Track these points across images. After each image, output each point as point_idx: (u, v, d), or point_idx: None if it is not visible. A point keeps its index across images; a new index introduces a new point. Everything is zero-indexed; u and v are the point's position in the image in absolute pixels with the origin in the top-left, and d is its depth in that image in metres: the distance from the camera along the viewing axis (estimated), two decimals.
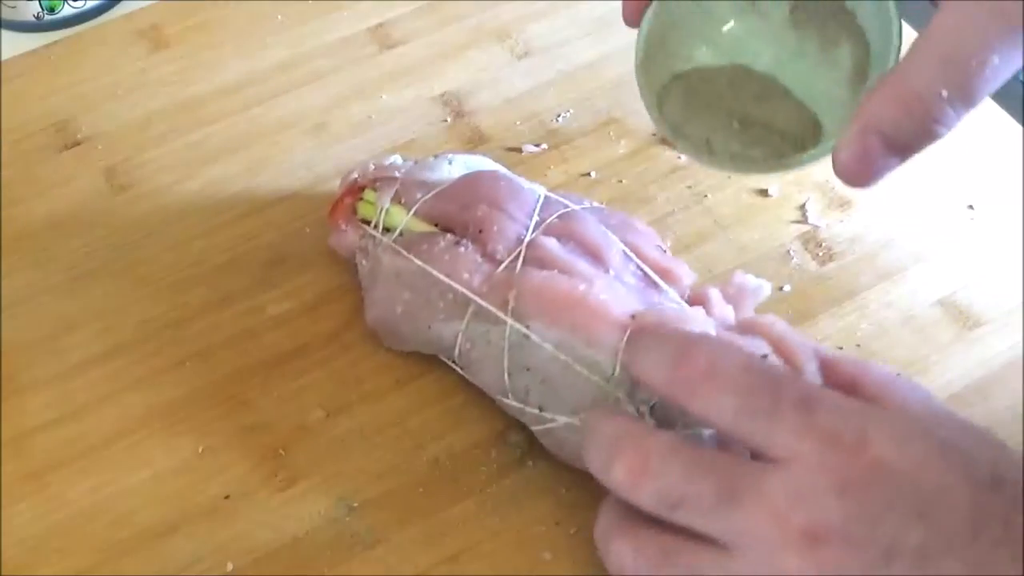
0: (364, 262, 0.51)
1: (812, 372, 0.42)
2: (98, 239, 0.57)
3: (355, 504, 0.47)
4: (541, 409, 0.45)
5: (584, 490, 0.46)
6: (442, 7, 0.66)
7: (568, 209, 0.48)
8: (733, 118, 0.43)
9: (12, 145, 0.61)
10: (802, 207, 0.57)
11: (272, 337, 0.53)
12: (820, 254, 0.55)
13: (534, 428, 0.46)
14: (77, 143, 0.61)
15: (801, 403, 0.35)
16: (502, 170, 0.52)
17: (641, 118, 0.60)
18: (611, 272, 0.46)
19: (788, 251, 0.55)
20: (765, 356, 0.42)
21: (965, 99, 0.35)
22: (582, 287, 0.44)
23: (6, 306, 0.54)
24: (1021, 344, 0.51)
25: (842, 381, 0.41)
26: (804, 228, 0.56)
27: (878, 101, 0.36)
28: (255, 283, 0.55)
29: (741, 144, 0.43)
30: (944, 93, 0.35)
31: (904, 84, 0.36)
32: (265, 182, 0.59)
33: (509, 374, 0.46)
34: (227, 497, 0.48)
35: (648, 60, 0.44)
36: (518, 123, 0.61)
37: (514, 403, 0.46)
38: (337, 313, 0.53)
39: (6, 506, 0.48)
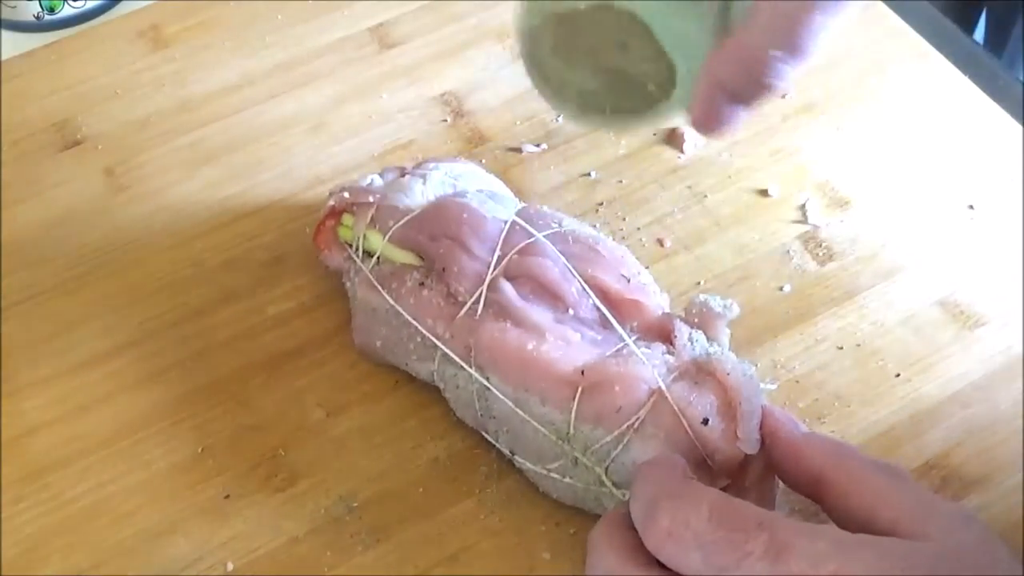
0: (348, 284, 0.52)
1: (751, 441, 0.42)
2: (98, 239, 0.57)
3: (355, 504, 0.47)
4: (512, 453, 0.46)
5: None
6: (442, 7, 0.66)
7: (531, 240, 0.47)
8: (598, 70, 0.44)
9: (12, 145, 0.61)
10: (802, 207, 0.57)
11: (271, 337, 0.53)
12: (820, 254, 0.55)
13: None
14: (77, 143, 0.61)
15: (769, 553, 0.34)
16: (470, 193, 0.51)
17: None
18: (569, 311, 0.46)
19: (788, 251, 0.55)
20: (706, 421, 0.42)
21: (795, 54, 0.39)
22: (531, 345, 0.44)
23: (6, 306, 0.54)
24: (1021, 344, 0.51)
25: (807, 477, 0.41)
26: (804, 228, 0.56)
27: (720, 60, 0.40)
28: (255, 283, 0.55)
29: (607, 94, 0.45)
30: (776, 52, 0.38)
31: (741, 44, 0.40)
32: (265, 182, 0.59)
33: (481, 415, 0.47)
34: (227, 497, 0.48)
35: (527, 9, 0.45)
36: (518, 123, 0.61)
37: (492, 440, 0.47)
38: (336, 313, 0.53)
39: (6, 506, 0.48)
